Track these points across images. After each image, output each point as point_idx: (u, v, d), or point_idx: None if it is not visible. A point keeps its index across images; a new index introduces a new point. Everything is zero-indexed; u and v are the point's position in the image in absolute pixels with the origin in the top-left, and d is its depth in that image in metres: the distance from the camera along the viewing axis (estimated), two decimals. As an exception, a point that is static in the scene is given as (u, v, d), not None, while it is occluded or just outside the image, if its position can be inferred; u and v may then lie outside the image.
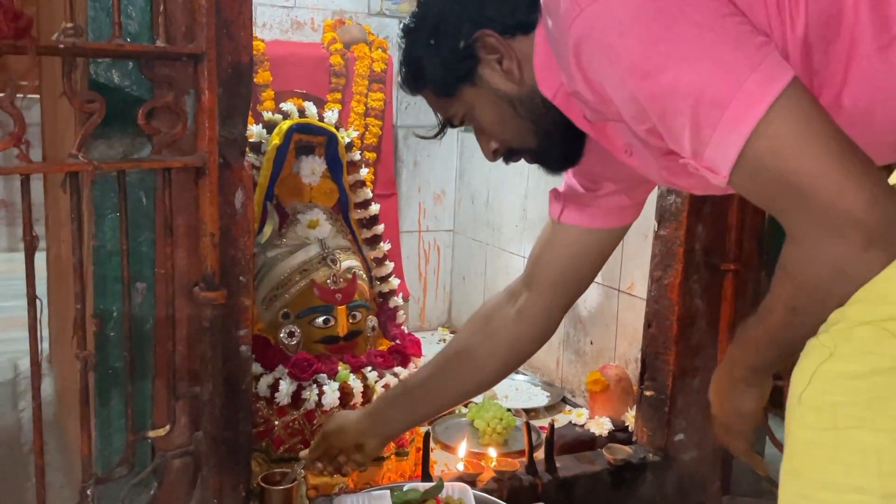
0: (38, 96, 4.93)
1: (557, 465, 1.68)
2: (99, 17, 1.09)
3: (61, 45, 1.00)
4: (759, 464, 1.06)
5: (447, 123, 1.07)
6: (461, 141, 3.16)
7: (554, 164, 1.06)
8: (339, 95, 2.81)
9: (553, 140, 1.01)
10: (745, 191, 0.81)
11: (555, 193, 1.20)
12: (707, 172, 0.80)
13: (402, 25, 1.06)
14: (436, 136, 1.10)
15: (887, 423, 0.75)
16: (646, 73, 0.78)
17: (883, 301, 0.76)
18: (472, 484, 1.54)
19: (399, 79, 1.08)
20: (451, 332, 3.25)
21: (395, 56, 2.98)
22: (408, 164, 3.15)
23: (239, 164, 1.26)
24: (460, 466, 1.65)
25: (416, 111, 3.10)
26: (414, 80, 1.04)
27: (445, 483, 1.47)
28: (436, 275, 3.31)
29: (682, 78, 0.77)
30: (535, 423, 2.12)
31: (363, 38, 2.85)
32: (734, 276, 1.68)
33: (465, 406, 2.31)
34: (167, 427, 1.22)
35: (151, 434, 1.20)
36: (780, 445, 1.66)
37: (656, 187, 1.60)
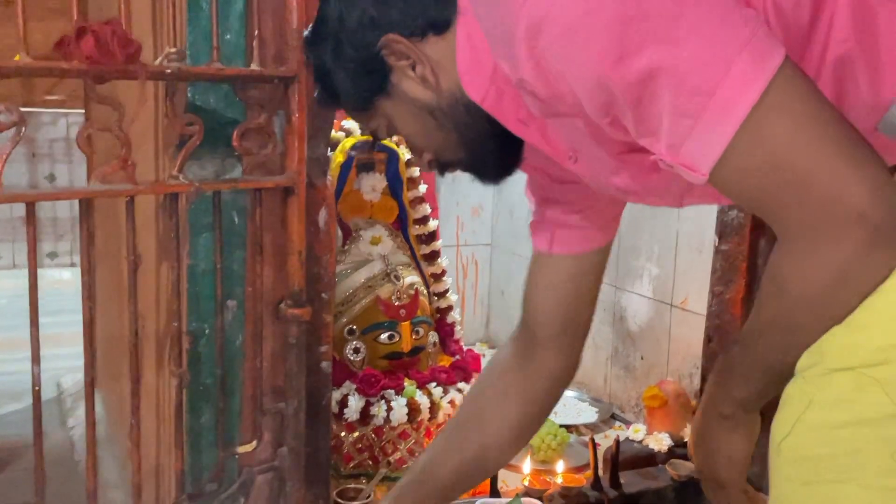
0: (62, 110, 4.96)
1: (621, 480, 1.69)
2: (197, 41, 1.11)
3: (168, 70, 1.02)
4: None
5: (374, 137, 0.99)
6: (499, 156, 3.18)
7: (488, 174, 0.96)
8: (382, 111, 2.84)
9: (483, 149, 0.90)
10: (728, 189, 0.71)
11: (535, 225, 1.07)
12: (683, 170, 0.70)
13: (304, 36, 0.97)
14: (370, 149, 1.03)
15: (870, 478, 0.68)
16: (619, 56, 0.68)
17: (859, 345, 0.68)
18: (540, 499, 1.54)
19: (315, 96, 0.99)
20: (490, 348, 3.26)
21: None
22: (446, 179, 3.15)
23: (322, 184, 1.28)
24: (525, 483, 1.65)
25: (454, 126, 3.12)
26: (328, 96, 0.96)
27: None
28: (473, 290, 3.32)
29: (661, 61, 0.66)
30: (585, 439, 2.12)
31: (405, 55, 2.88)
32: (796, 290, 1.68)
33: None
34: (254, 443, 1.24)
35: (240, 450, 1.22)
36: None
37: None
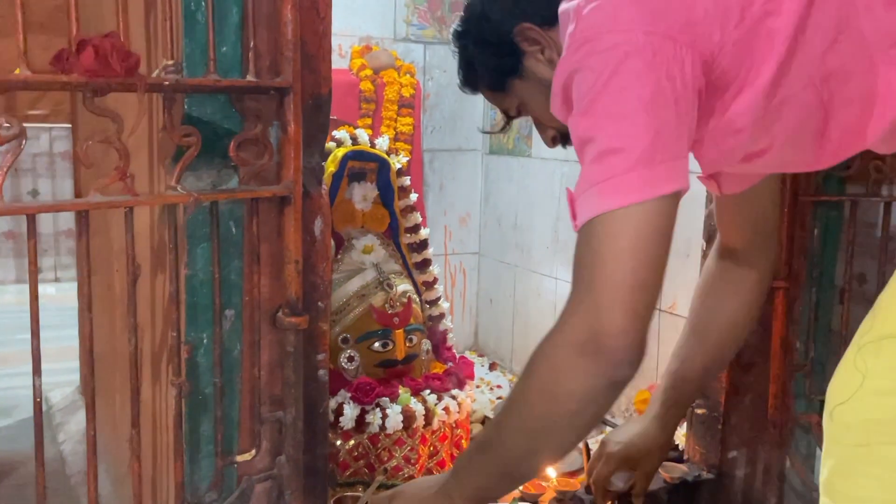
0: (45, 125, 4.94)
1: (615, 483, 1.70)
2: (193, 53, 1.12)
3: (166, 83, 1.03)
4: None
5: (506, 115, 1.13)
6: (486, 164, 3.20)
7: None
8: (369, 121, 2.85)
9: None
10: (576, 248, 0.88)
11: (705, 177, 1.22)
12: (571, 215, 0.88)
13: (452, 31, 1.13)
14: (501, 130, 1.19)
15: None
16: (584, 111, 0.86)
17: None
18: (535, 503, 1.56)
19: (458, 82, 1.16)
20: (479, 356, 3.27)
21: (423, 81, 3.04)
22: (434, 188, 3.19)
23: (317, 193, 1.29)
24: (520, 488, 1.66)
25: (441, 134, 3.14)
26: (470, 80, 1.13)
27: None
28: (462, 298, 3.34)
29: (597, 133, 0.84)
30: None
31: (391, 64, 2.90)
32: (784, 294, 1.71)
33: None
34: (253, 451, 1.24)
35: (239, 459, 1.22)
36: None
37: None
